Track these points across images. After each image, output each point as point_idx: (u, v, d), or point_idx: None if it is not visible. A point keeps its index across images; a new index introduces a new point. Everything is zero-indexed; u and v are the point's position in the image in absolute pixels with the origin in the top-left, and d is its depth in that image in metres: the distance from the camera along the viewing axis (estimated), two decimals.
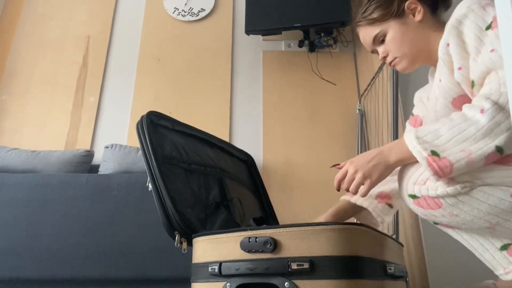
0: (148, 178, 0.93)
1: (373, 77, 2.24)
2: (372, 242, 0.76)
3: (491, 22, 0.79)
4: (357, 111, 2.51)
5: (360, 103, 2.54)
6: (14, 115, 2.58)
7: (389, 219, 1.12)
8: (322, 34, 2.65)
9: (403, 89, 1.93)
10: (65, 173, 2.02)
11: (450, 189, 0.77)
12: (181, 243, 0.90)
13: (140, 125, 0.99)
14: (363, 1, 1.04)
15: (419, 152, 0.76)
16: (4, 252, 1.67)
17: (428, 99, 1.05)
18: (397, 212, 1.77)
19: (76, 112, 2.59)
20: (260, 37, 2.77)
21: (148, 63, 2.73)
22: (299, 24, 2.48)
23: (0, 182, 1.81)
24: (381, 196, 1.09)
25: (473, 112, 0.74)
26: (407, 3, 0.98)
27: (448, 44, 0.86)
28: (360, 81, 2.65)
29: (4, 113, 2.58)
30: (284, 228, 0.73)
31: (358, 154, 2.38)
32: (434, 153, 0.75)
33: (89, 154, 2.22)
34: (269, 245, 0.72)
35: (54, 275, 1.65)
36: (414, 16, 0.98)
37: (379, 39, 1.02)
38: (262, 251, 0.72)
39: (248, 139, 2.52)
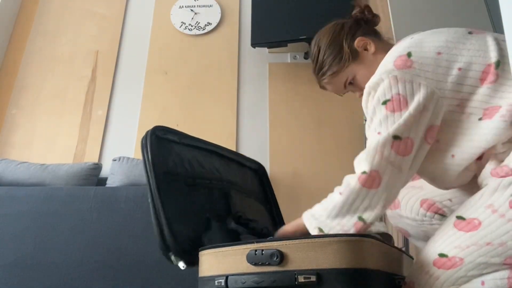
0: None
1: None
2: (380, 255, 0.75)
3: (387, 101, 0.86)
4: (364, 122, 2.50)
5: None
6: (23, 129, 2.62)
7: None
8: None
9: None
10: (73, 186, 2.03)
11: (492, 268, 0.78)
12: (176, 263, 0.89)
13: (144, 141, 0.98)
14: (313, 62, 1.11)
15: (313, 231, 0.87)
16: (12, 265, 1.67)
17: None
18: None
19: (84, 125, 2.62)
20: (266, 49, 2.79)
21: (156, 76, 2.76)
22: (305, 36, 2.49)
23: (9, 195, 1.83)
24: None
25: (335, 192, 0.88)
26: (355, 43, 1.04)
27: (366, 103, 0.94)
28: None
29: (14, 127, 2.62)
30: (291, 240, 0.72)
31: None
32: (320, 230, 0.86)
33: (97, 167, 2.23)
34: (275, 258, 0.71)
35: None
36: (367, 50, 1.04)
37: (349, 83, 1.08)
38: (269, 264, 0.72)
39: (255, 150, 2.52)
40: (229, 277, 0.75)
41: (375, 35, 1.08)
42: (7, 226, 1.75)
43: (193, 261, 0.87)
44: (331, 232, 0.83)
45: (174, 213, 0.92)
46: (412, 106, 0.84)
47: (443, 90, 0.86)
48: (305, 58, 2.76)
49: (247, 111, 2.67)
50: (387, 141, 0.83)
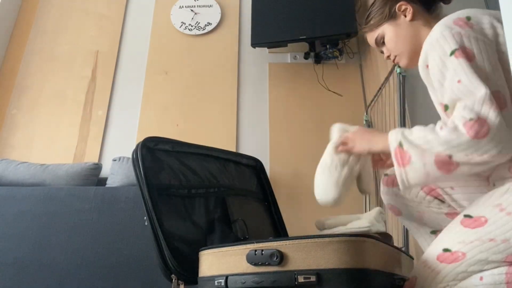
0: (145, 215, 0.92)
1: (380, 88, 2.23)
2: (380, 255, 0.75)
3: (455, 49, 0.84)
4: (364, 122, 2.50)
5: (367, 114, 2.53)
6: (23, 129, 2.62)
7: None
8: (327, 46, 2.67)
9: (410, 99, 1.93)
10: (73, 186, 2.03)
11: (490, 265, 0.77)
12: (178, 285, 0.88)
13: (134, 155, 0.95)
14: (366, 9, 1.13)
15: (391, 142, 0.88)
16: (12, 265, 1.67)
17: None
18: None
19: (84, 125, 2.62)
20: (266, 49, 2.79)
21: (156, 76, 2.76)
22: (305, 36, 2.50)
23: (9, 195, 1.83)
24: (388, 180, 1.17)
25: (437, 127, 0.83)
26: (397, 5, 1.05)
27: (427, 66, 0.91)
28: (366, 92, 2.65)
29: (14, 127, 2.62)
30: (291, 240, 0.72)
31: None
32: (400, 144, 0.86)
33: (97, 167, 2.23)
34: (275, 258, 0.71)
35: None
36: (405, 16, 1.05)
37: (380, 41, 1.11)
38: (269, 264, 0.72)
39: (255, 150, 2.52)
40: (229, 277, 0.75)
41: (425, 5, 1.06)
42: (7, 226, 1.75)
43: (194, 280, 0.87)
44: (409, 151, 0.83)
45: (173, 232, 0.90)
46: (486, 58, 0.82)
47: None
48: (305, 58, 2.76)
49: (247, 111, 2.67)
50: (487, 96, 0.78)
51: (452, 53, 0.84)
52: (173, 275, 0.88)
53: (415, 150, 0.83)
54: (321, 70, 2.71)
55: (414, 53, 1.04)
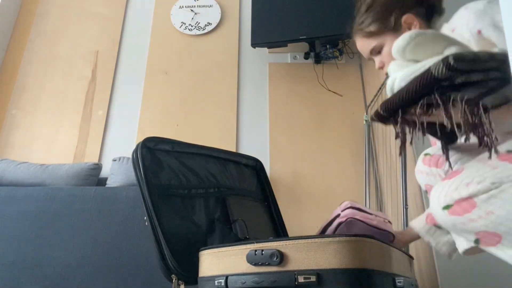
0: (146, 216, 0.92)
1: (380, 88, 2.23)
2: (380, 255, 0.75)
3: None
4: (364, 122, 2.50)
5: (367, 114, 2.53)
6: (23, 129, 2.62)
7: (440, 240, 1.12)
8: (327, 46, 2.67)
9: None
10: (73, 186, 2.03)
11: (481, 186, 0.78)
12: (178, 285, 0.88)
13: (134, 155, 0.95)
14: (360, 9, 1.05)
15: None
16: (12, 265, 1.67)
17: None
18: (406, 224, 1.74)
19: (84, 125, 2.62)
20: (266, 49, 2.79)
21: (156, 76, 2.76)
22: (305, 36, 2.50)
23: (9, 196, 1.83)
24: (429, 217, 1.12)
25: None
26: (404, 18, 0.98)
27: (479, 31, 0.84)
28: (366, 92, 2.65)
29: (14, 127, 2.62)
30: (291, 241, 0.72)
31: (365, 165, 2.36)
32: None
33: (97, 167, 2.23)
34: (275, 258, 0.71)
35: None
36: (409, 29, 0.98)
37: (376, 51, 1.03)
38: (269, 264, 0.72)
39: (255, 150, 2.52)
40: (229, 277, 0.75)
41: (428, 22, 1.01)
42: (7, 226, 1.75)
43: (194, 280, 0.87)
44: None
45: (173, 232, 0.90)
46: None
47: None
48: (305, 58, 2.76)
49: (248, 111, 2.67)
50: None
51: None
52: (173, 275, 0.88)
53: None
54: (321, 70, 2.71)
55: None
